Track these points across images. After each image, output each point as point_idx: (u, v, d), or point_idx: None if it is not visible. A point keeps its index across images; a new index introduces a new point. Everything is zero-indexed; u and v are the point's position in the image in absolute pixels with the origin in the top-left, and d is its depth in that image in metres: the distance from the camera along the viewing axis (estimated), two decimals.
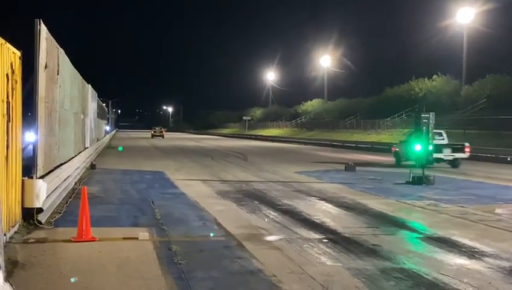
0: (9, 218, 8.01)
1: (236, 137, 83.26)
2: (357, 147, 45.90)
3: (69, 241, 8.16)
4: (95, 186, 15.11)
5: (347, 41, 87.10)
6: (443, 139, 25.70)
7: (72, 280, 6.30)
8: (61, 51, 12.86)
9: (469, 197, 14.35)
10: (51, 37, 11.03)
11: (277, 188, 15.90)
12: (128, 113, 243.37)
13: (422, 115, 17.67)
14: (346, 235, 9.13)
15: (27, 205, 9.00)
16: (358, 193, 15.09)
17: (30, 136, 11.36)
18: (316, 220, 10.62)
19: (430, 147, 17.74)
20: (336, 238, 8.83)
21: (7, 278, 4.55)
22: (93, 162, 21.70)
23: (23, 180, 8.96)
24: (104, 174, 18.89)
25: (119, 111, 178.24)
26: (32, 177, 9.24)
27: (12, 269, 6.49)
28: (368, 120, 61.86)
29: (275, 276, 6.57)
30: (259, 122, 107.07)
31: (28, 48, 9.16)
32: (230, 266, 7.04)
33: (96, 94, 30.40)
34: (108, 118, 64.22)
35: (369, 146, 44.14)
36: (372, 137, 54.14)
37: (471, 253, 7.98)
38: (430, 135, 17.62)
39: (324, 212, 11.71)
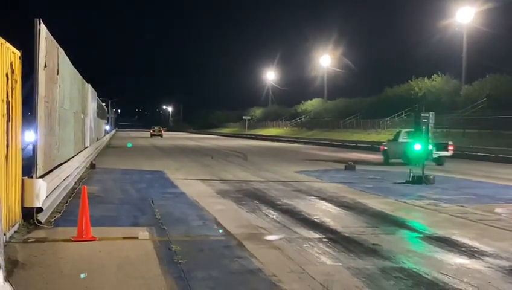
0: (9, 217, 8.02)
1: (236, 136, 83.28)
2: (357, 146, 45.92)
3: (69, 240, 8.16)
4: (95, 186, 15.11)
5: (347, 40, 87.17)
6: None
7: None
8: (61, 50, 12.86)
9: (469, 196, 14.36)
10: (51, 36, 11.03)
11: (277, 188, 15.90)
12: (128, 113, 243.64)
13: (422, 115, 17.67)
14: (346, 234, 9.13)
15: (27, 205, 9.00)
16: (358, 192, 15.09)
17: (30, 136, 11.35)
18: (315, 219, 10.62)
19: (431, 147, 17.74)
20: (335, 238, 8.83)
21: (7, 278, 4.55)
22: (93, 162, 21.70)
23: (23, 180, 8.96)
24: (104, 174, 18.89)
25: (119, 111, 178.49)
26: (32, 177, 9.24)
27: (12, 269, 6.49)
28: (368, 120, 61.83)
29: (274, 275, 6.57)
30: (259, 121, 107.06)
31: (27, 47, 9.17)
32: (230, 265, 7.04)
33: (96, 94, 30.40)
34: (108, 118, 64.23)
35: (369, 145, 44.12)
36: (372, 136, 54.09)
37: (471, 252, 7.98)
38: (430, 134, 17.62)
39: (324, 211, 11.72)
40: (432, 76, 58.35)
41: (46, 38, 10.27)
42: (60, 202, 11.59)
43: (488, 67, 51.52)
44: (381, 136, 53.66)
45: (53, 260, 7.14)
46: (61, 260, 7.17)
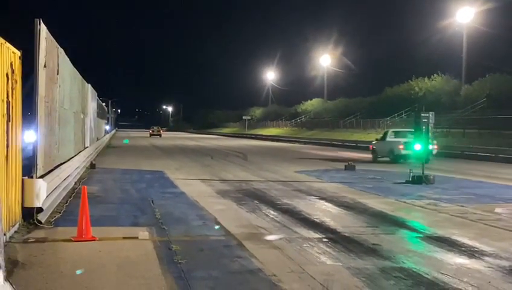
0: (9, 217, 8.02)
1: (236, 136, 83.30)
2: (357, 146, 45.89)
3: (69, 240, 8.16)
4: (95, 186, 15.11)
5: (347, 40, 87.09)
6: None
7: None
8: (61, 50, 12.86)
9: (469, 196, 14.36)
10: (51, 36, 11.03)
11: (277, 188, 15.90)
12: (128, 113, 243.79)
13: (422, 115, 17.67)
14: (346, 234, 9.13)
15: (27, 205, 9.00)
16: (358, 192, 15.09)
17: (30, 136, 11.35)
18: (315, 219, 10.62)
19: (431, 147, 17.74)
20: (335, 238, 8.83)
21: (7, 278, 4.55)
22: (93, 162, 21.71)
23: (23, 180, 8.96)
24: (104, 174, 18.89)
25: (119, 111, 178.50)
26: (32, 177, 9.24)
27: (12, 269, 6.50)
28: (368, 119, 61.80)
29: (274, 275, 6.58)
30: (259, 121, 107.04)
31: (27, 47, 9.17)
32: (230, 265, 7.05)
33: (96, 94, 30.41)
34: (108, 118, 64.24)
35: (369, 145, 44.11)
36: (372, 136, 53.82)
37: (471, 252, 7.98)
38: (429, 134, 17.60)
39: (324, 211, 11.72)
40: (432, 76, 58.33)
41: (46, 38, 10.27)
42: (60, 202, 11.60)
43: (488, 67, 51.53)
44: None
45: (53, 260, 7.14)
46: (61, 260, 7.17)
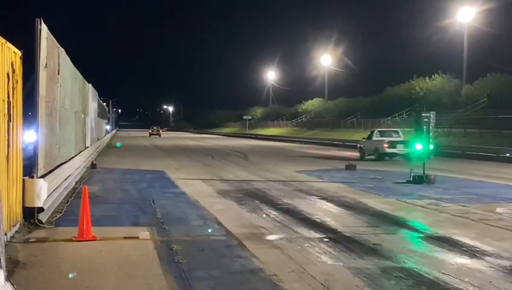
0: (10, 217, 8.02)
1: (237, 136, 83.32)
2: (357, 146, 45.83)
3: (70, 240, 8.17)
4: (96, 186, 15.12)
5: (347, 40, 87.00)
6: (399, 136, 29.51)
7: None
8: (62, 50, 12.87)
9: (470, 196, 14.34)
10: (52, 36, 11.03)
11: (277, 187, 15.90)
12: (129, 113, 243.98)
13: (423, 114, 17.66)
14: (347, 234, 9.13)
15: (28, 205, 9.01)
16: (359, 192, 15.09)
17: (30, 136, 11.35)
18: (316, 219, 10.62)
19: (431, 146, 17.71)
20: (336, 238, 8.83)
21: (8, 278, 4.55)
22: (94, 162, 21.72)
23: (24, 180, 8.96)
24: (104, 174, 18.90)
25: (120, 110, 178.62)
26: (33, 177, 9.25)
27: (13, 269, 6.50)
28: (369, 119, 61.75)
29: (275, 275, 6.57)
30: (260, 121, 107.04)
31: (28, 47, 9.18)
32: (230, 265, 7.05)
33: (97, 93, 30.43)
34: (108, 118, 64.25)
35: None
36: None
37: (472, 252, 7.97)
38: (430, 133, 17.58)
39: (325, 211, 11.72)
40: (433, 76, 58.32)
41: (47, 38, 10.27)
42: (60, 202, 11.60)
43: (489, 67, 51.51)
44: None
45: (54, 259, 7.14)
46: (62, 259, 7.17)
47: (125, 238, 8.48)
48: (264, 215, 10.91)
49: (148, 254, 7.54)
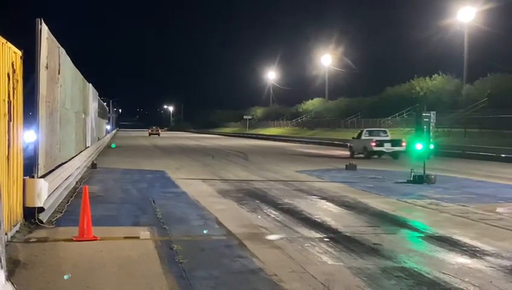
0: (10, 217, 8.03)
1: (237, 136, 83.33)
2: None
3: (70, 240, 8.17)
4: (96, 186, 15.13)
5: (348, 40, 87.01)
6: (387, 136, 31.36)
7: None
8: (62, 50, 12.87)
9: (470, 196, 14.34)
10: (52, 36, 11.03)
11: (278, 187, 15.90)
12: (129, 113, 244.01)
13: (424, 114, 17.65)
14: (347, 234, 9.13)
15: (28, 205, 9.01)
16: (359, 191, 15.09)
17: (30, 136, 11.36)
18: (317, 219, 10.62)
19: (432, 146, 17.69)
20: (337, 238, 8.83)
21: (9, 277, 4.56)
22: (94, 161, 21.72)
23: (24, 180, 8.97)
24: (105, 174, 18.91)
25: (120, 110, 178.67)
26: (33, 177, 9.25)
27: (13, 269, 6.50)
28: (369, 119, 61.72)
29: (276, 275, 6.57)
30: (260, 121, 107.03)
31: (29, 47, 9.18)
32: (231, 265, 7.05)
33: (97, 93, 30.43)
34: (109, 118, 64.27)
35: None
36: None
37: (472, 252, 7.97)
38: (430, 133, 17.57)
39: (325, 211, 11.72)
40: (433, 75, 58.30)
41: (47, 38, 10.28)
42: (61, 202, 11.61)
43: (489, 67, 51.51)
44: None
45: (54, 259, 7.15)
46: (63, 259, 7.17)
47: (125, 238, 8.49)
48: (265, 215, 10.91)
49: (148, 253, 7.54)
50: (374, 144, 29.71)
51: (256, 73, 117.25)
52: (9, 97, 8.01)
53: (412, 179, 17.13)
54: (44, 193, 9.35)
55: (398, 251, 7.93)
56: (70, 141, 15.40)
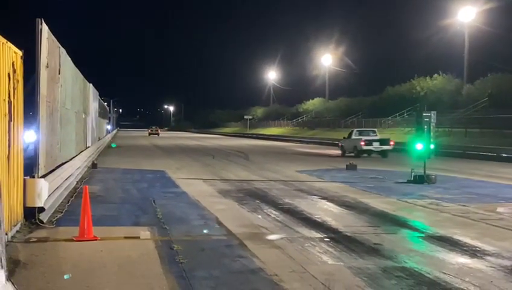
0: (11, 217, 8.03)
1: (238, 136, 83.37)
2: None
3: (71, 240, 8.17)
4: (97, 186, 15.13)
5: (348, 40, 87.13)
6: (376, 135, 33.05)
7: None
8: (63, 50, 12.87)
9: (471, 196, 14.34)
10: (53, 36, 11.03)
11: (278, 187, 15.90)
12: (130, 113, 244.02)
13: (424, 114, 17.64)
14: (348, 234, 9.12)
15: (29, 204, 9.01)
16: (360, 191, 15.08)
17: (30, 136, 11.35)
18: (317, 219, 10.62)
19: (432, 146, 17.68)
20: (337, 237, 8.83)
21: (9, 277, 4.56)
22: (95, 161, 21.72)
23: (24, 180, 8.97)
24: (105, 174, 18.91)
25: (121, 110, 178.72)
26: (33, 177, 9.24)
27: (14, 268, 6.50)
28: (370, 119, 61.74)
29: (276, 275, 6.57)
30: (261, 121, 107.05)
31: (29, 47, 9.17)
32: (231, 265, 7.05)
33: (98, 93, 30.42)
34: (109, 117, 64.29)
35: None
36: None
37: (473, 252, 7.97)
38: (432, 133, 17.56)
39: (325, 211, 11.71)
40: (434, 75, 58.29)
41: (47, 38, 10.27)
42: (61, 202, 11.61)
43: (489, 67, 51.51)
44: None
45: (54, 259, 7.15)
46: (63, 259, 7.17)
47: (126, 238, 8.49)
48: (265, 215, 10.91)
49: (148, 253, 7.54)
50: (363, 143, 31.09)
51: (256, 73, 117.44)
52: (9, 97, 8.01)
53: (412, 179, 17.12)
54: (45, 192, 9.35)
55: (398, 251, 7.92)
56: (71, 141, 15.40)
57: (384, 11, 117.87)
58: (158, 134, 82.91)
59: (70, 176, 13.79)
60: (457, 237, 9.01)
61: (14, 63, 8.29)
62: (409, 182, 17.13)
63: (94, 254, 7.41)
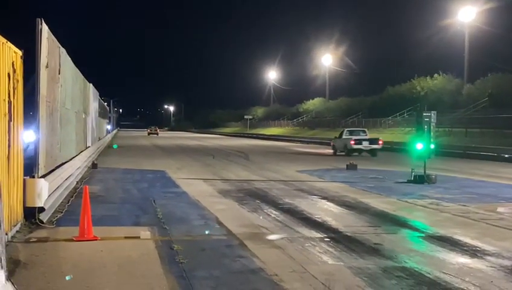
0: (11, 217, 8.02)
1: (238, 136, 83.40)
2: None
3: (71, 240, 8.17)
4: (97, 186, 15.12)
5: (348, 40, 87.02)
6: (366, 135, 34.13)
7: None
8: (63, 50, 12.86)
9: (471, 195, 14.33)
10: (53, 36, 11.03)
11: (278, 187, 15.90)
12: (130, 113, 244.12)
13: (424, 114, 17.63)
14: (348, 234, 9.12)
15: (29, 204, 9.01)
16: (360, 191, 15.08)
17: (29, 136, 11.34)
18: (317, 219, 10.61)
19: (432, 146, 17.67)
20: (337, 237, 8.82)
21: (9, 277, 4.56)
22: (95, 161, 21.71)
23: (24, 180, 8.96)
24: (105, 173, 18.90)
25: (121, 110, 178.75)
26: (34, 177, 9.24)
27: (14, 268, 6.50)
28: (370, 119, 61.74)
29: (276, 275, 6.57)
30: (261, 121, 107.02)
31: (29, 47, 9.17)
32: (231, 265, 7.04)
33: (98, 93, 30.42)
34: (109, 117, 64.29)
35: None
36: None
37: (473, 252, 7.97)
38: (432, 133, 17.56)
39: (326, 211, 11.71)
40: (434, 75, 58.27)
41: (47, 38, 10.27)
42: (61, 202, 11.60)
43: (490, 66, 51.48)
44: (383, 135, 53.64)
45: (55, 259, 7.14)
46: (63, 259, 7.17)
47: (126, 238, 8.48)
48: (265, 215, 10.90)
49: (149, 253, 7.54)
50: (353, 142, 32.20)
51: (256, 73, 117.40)
52: (9, 97, 8.00)
53: (412, 178, 17.12)
54: (45, 192, 9.35)
55: (398, 251, 7.92)
56: (71, 140, 15.39)
57: (384, 11, 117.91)
58: (157, 134, 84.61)
59: (70, 176, 13.78)
60: (457, 237, 9.00)
61: (14, 63, 8.28)
62: (409, 182, 17.12)
63: (94, 254, 7.41)
